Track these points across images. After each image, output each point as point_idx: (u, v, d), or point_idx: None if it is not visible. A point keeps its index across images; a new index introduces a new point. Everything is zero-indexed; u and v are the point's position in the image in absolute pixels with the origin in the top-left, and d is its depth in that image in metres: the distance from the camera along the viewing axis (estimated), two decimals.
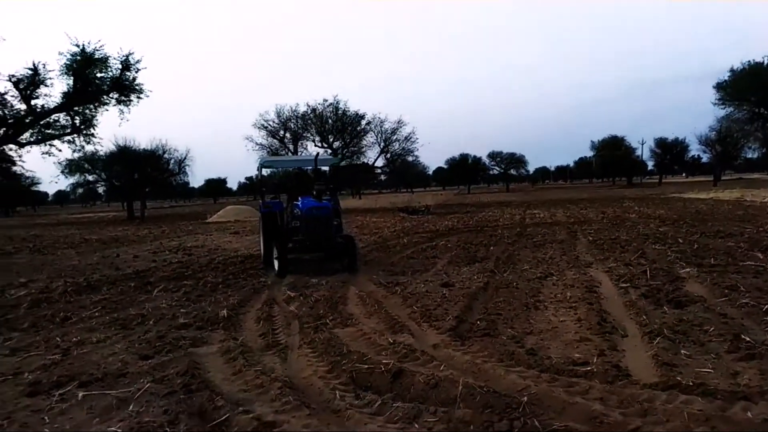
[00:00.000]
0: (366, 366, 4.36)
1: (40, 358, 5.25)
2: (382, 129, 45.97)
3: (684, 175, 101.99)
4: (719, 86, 34.32)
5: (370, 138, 46.21)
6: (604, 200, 33.94)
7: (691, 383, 3.73)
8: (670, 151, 73.44)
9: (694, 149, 72.21)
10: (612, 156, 72.72)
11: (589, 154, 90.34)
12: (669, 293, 6.53)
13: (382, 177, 68.66)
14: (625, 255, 9.84)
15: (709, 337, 4.84)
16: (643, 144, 76.96)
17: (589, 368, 4.20)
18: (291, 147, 44.52)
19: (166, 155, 44.38)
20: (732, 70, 33.15)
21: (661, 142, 72.95)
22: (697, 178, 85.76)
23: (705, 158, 73.22)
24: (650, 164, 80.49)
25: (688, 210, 21.02)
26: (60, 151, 15.54)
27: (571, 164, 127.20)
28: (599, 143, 78.15)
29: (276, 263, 9.73)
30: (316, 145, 44.78)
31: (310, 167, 11.86)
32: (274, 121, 44.43)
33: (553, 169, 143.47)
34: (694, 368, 4.12)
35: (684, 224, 15.07)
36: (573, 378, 3.99)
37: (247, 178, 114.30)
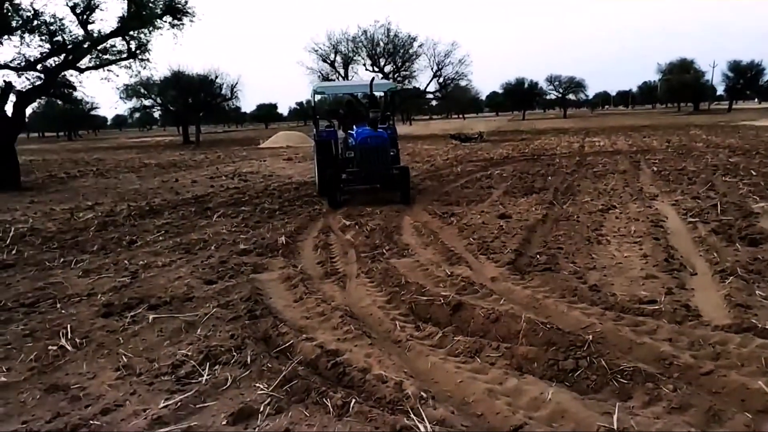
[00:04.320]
0: (425, 298, 4.36)
1: (110, 280, 5.51)
2: (435, 52, 44.44)
3: (757, 101, 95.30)
4: None
5: (422, 61, 44.87)
6: (668, 127, 32.30)
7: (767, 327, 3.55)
8: (743, 75, 68.35)
9: None
10: (680, 80, 68.25)
11: (655, 78, 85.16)
12: (742, 230, 6.17)
13: (434, 102, 67.14)
14: (692, 187, 9.37)
15: None
16: (714, 67, 71.96)
17: (656, 307, 4.05)
18: (341, 71, 43.82)
19: (218, 80, 44.61)
20: None
21: (734, 66, 67.85)
22: None
23: None
24: (720, 89, 75.40)
25: (762, 139, 19.74)
26: (117, 76, 15.82)
27: (634, 89, 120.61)
28: (666, 66, 73.32)
29: (329, 195, 9.57)
30: (366, 70, 43.89)
31: (364, 93, 11.33)
32: (324, 45, 43.58)
33: (614, 94, 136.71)
34: None
35: (757, 155, 14.15)
36: (639, 317, 3.86)
37: (297, 104, 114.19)
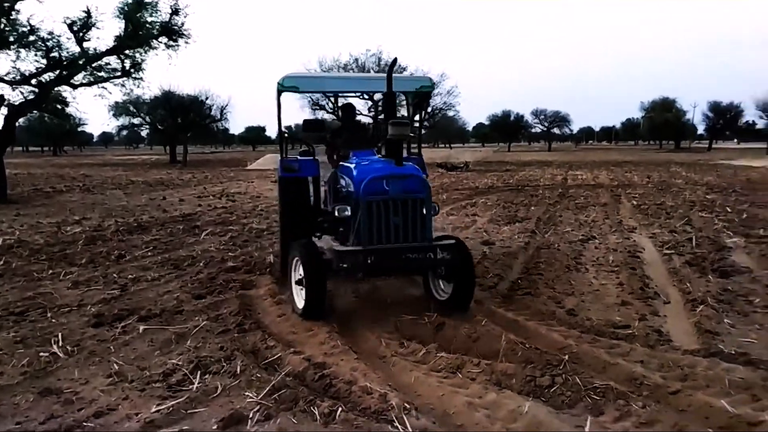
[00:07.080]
0: (409, 317, 4.51)
1: (100, 292, 5.58)
2: None
3: (736, 141, 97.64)
4: None
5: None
6: (649, 164, 33.03)
7: (733, 352, 3.76)
8: (723, 115, 70.16)
9: (749, 114, 68.73)
10: (661, 118, 69.83)
11: (638, 115, 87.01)
12: (714, 262, 6.45)
13: (421, 131, 67.92)
14: (670, 221, 9.68)
15: (753, 308, 4.82)
16: (695, 107, 73.82)
17: (630, 331, 4.26)
18: (332, 99, 44.28)
19: (208, 101, 44.78)
20: None
21: (714, 106, 69.67)
22: (749, 145, 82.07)
23: (761, 124, 69.49)
24: (701, 128, 77.16)
25: (739, 178, 20.32)
26: (110, 93, 15.90)
27: (618, 125, 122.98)
28: (649, 104, 75.04)
29: (298, 291, 4.77)
30: (357, 97, 44.32)
31: (372, 93, 4.71)
32: (315, 71, 44.07)
33: (598, 129, 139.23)
34: (736, 338, 4.14)
35: (733, 192, 14.61)
36: (614, 340, 4.06)
37: (286, 127, 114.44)
